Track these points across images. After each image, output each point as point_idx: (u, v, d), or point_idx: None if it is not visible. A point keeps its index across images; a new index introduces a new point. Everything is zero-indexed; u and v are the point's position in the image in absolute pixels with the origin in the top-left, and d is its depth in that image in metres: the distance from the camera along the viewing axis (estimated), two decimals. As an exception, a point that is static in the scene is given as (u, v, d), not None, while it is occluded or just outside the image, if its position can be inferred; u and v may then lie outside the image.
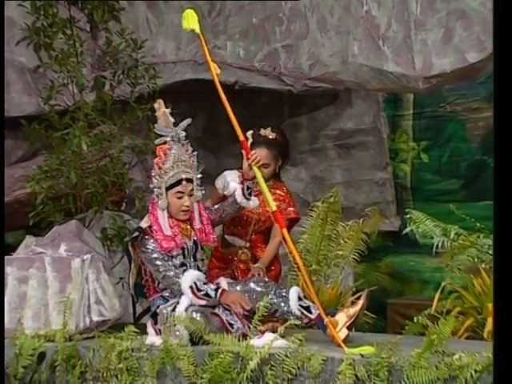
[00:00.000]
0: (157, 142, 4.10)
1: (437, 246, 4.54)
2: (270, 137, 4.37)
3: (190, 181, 4.03)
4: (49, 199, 4.81)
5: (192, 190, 4.03)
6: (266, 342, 3.63)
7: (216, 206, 4.22)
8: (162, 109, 4.10)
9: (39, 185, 4.83)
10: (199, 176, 4.09)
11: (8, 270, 4.18)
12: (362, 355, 3.47)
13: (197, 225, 4.07)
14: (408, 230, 4.75)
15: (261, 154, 4.19)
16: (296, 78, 6.08)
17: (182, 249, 4.01)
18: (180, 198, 4.01)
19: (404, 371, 3.34)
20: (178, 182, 4.00)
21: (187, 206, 4.01)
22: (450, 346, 3.43)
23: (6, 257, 4.28)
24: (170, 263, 3.96)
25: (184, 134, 4.08)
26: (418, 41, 4.81)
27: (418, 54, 4.80)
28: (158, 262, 3.95)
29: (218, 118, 6.81)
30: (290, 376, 3.51)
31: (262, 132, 4.38)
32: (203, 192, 4.10)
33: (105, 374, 3.81)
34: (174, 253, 3.99)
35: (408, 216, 4.71)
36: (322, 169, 7.05)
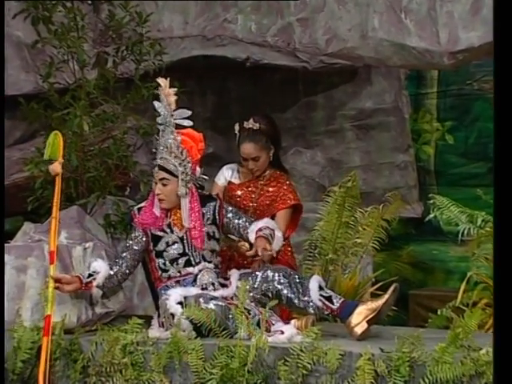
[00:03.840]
0: (156, 120, 4.21)
1: (462, 233, 4.51)
2: (254, 128, 4.47)
3: (163, 169, 4.11)
4: (48, 183, 4.81)
5: (163, 178, 4.11)
6: (287, 337, 3.70)
7: (232, 214, 4.26)
8: (166, 89, 4.14)
9: (38, 168, 4.83)
10: (188, 172, 4.12)
11: (6, 258, 4.19)
12: (381, 349, 3.47)
13: (185, 223, 4.13)
14: (431, 216, 4.72)
15: (246, 149, 4.42)
16: (312, 54, 6.04)
17: (181, 239, 4.11)
18: (156, 183, 4.14)
19: (427, 367, 3.35)
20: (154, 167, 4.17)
21: (157, 194, 4.13)
22: (477, 340, 3.43)
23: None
24: (131, 242, 4.16)
25: (178, 121, 4.13)
26: (444, 13, 4.77)
27: (443, 28, 4.76)
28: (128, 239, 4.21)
29: (227, 96, 6.80)
30: (305, 372, 3.52)
31: (245, 124, 4.50)
32: (188, 190, 4.12)
33: (108, 369, 3.83)
34: (166, 242, 4.10)
35: (431, 201, 4.67)
36: (339, 151, 7.02)
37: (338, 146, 7.03)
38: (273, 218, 4.47)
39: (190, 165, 4.14)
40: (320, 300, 3.93)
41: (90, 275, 4.09)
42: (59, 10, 4.96)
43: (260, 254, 4.01)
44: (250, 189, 4.54)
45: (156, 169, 4.14)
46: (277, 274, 4.02)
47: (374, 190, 6.74)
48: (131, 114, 5.02)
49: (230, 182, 4.60)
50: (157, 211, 4.16)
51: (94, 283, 4.07)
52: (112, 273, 4.12)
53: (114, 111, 5.04)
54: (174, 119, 4.13)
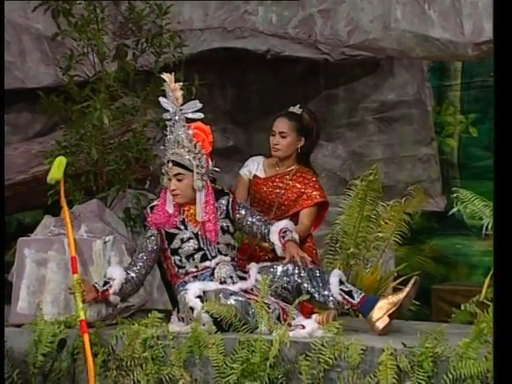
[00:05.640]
0: (163, 116, 4.20)
1: (486, 227, 4.47)
2: (296, 111, 4.55)
3: (177, 164, 4.09)
4: (68, 177, 4.84)
5: (178, 174, 4.09)
6: (308, 331, 3.70)
7: (245, 211, 4.25)
8: (172, 84, 4.12)
9: (58, 161, 4.85)
10: (204, 165, 4.11)
11: (26, 251, 4.23)
12: (404, 345, 3.45)
13: (198, 217, 4.12)
14: (455, 210, 4.67)
15: (279, 123, 4.48)
16: (333, 46, 6.03)
17: (196, 235, 4.10)
18: (169, 180, 4.13)
19: (450, 362, 3.33)
20: (167, 163, 4.14)
21: (172, 190, 4.10)
22: (501, 336, 3.41)
23: (23, 238, 4.34)
24: (146, 242, 4.13)
25: (188, 115, 4.12)
26: (468, 4, 4.74)
27: (467, 18, 4.73)
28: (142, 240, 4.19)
29: (248, 89, 6.80)
30: (326, 367, 3.51)
31: (291, 108, 4.58)
32: (204, 183, 4.10)
33: (129, 363, 3.85)
34: (180, 239, 4.10)
35: (455, 195, 4.63)
36: (360, 144, 7.01)
37: (359, 138, 7.01)
38: (297, 214, 4.46)
39: (204, 157, 4.13)
40: (340, 295, 3.93)
41: (105, 283, 4.06)
42: (79, 3, 4.98)
43: (300, 263, 4.01)
44: (275, 184, 4.54)
45: (170, 164, 4.10)
46: (297, 268, 4.01)
47: (396, 183, 6.72)
48: (151, 107, 5.03)
49: (255, 176, 4.59)
50: (169, 209, 4.13)
51: (111, 291, 4.03)
52: (129, 277, 4.10)
53: (134, 104, 5.06)
54: (184, 113, 4.12)
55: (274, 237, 4.14)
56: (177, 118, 4.11)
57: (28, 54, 5.94)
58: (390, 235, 5.09)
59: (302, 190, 4.49)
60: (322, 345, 3.54)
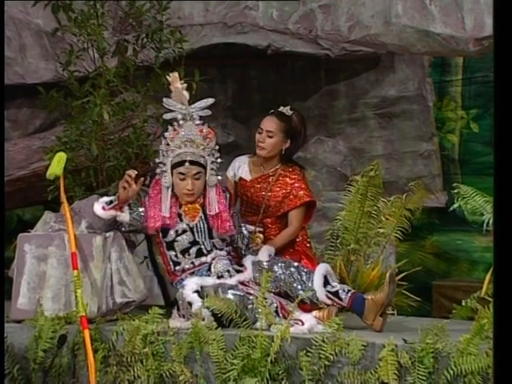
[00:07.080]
0: (165, 116, 4.16)
1: (487, 223, 4.48)
2: (286, 113, 4.52)
3: (196, 163, 4.07)
4: (68, 172, 4.84)
5: (197, 173, 4.07)
6: (307, 327, 3.70)
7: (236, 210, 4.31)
8: (177, 84, 4.10)
9: (58, 157, 4.85)
10: (218, 160, 4.13)
11: (26, 247, 4.23)
12: (405, 340, 3.45)
13: (211, 211, 4.12)
14: (455, 206, 4.68)
15: (268, 121, 4.44)
16: (334, 42, 6.02)
17: (191, 228, 4.10)
18: (182, 179, 4.09)
19: (451, 358, 3.34)
20: (181, 163, 4.08)
21: (189, 190, 4.08)
22: (502, 332, 3.40)
23: (24, 234, 4.34)
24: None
25: (199, 113, 4.12)
26: (469, -2, 4.74)
27: (468, 13, 4.72)
28: None
29: (249, 85, 6.80)
30: (327, 363, 3.52)
31: (280, 108, 4.55)
32: (219, 178, 4.16)
33: (129, 359, 3.86)
34: (175, 231, 4.10)
35: (455, 191, 4.64)
36: (361, 140, 7.00)
37: (360, 134, 7.00)
38: (286, 214, 4.46)
39: (217, 152, 4.13)
40: (327, 296, 3.91)
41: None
42: (79, -2, 4.99)
43: None
44: (261, 185, 4.52)
45: (187, 165, 4.07)
46: (281, 271, 4.01)
47: (396, 179, 6.71)
48: (151, 103, 5.03)
49: (241, 178, 4.58)
50: (166, 213, 4.11)
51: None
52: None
53: (134, 100, 5.06)
54: (195, 111, 4.10)
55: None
56: (187, 116, 4.10)
57: (28, 49, 5.94)
58: (390, 231, 5.08)
59: (289, 190, 4.48)
60: (323, 341, 3.55)
